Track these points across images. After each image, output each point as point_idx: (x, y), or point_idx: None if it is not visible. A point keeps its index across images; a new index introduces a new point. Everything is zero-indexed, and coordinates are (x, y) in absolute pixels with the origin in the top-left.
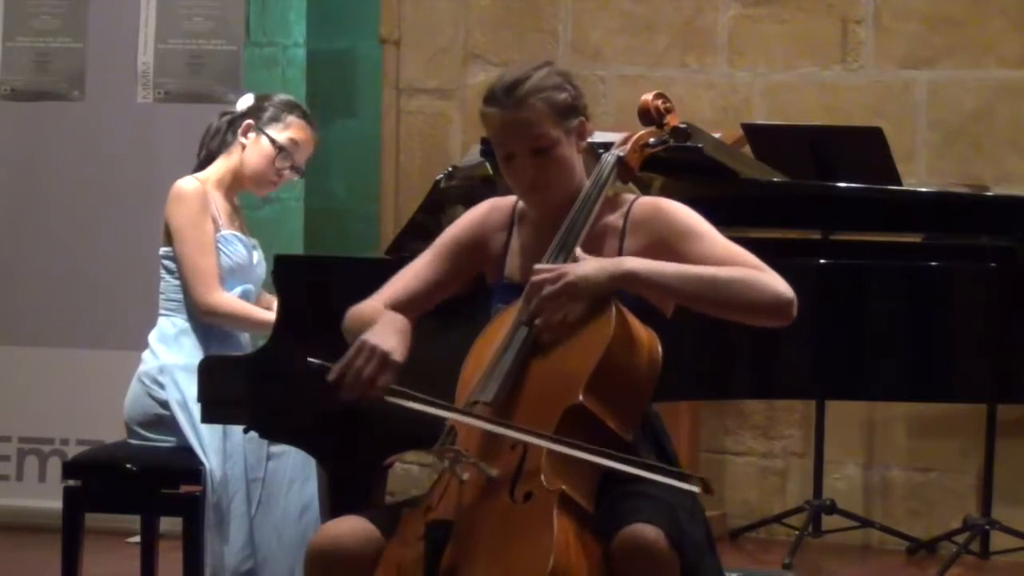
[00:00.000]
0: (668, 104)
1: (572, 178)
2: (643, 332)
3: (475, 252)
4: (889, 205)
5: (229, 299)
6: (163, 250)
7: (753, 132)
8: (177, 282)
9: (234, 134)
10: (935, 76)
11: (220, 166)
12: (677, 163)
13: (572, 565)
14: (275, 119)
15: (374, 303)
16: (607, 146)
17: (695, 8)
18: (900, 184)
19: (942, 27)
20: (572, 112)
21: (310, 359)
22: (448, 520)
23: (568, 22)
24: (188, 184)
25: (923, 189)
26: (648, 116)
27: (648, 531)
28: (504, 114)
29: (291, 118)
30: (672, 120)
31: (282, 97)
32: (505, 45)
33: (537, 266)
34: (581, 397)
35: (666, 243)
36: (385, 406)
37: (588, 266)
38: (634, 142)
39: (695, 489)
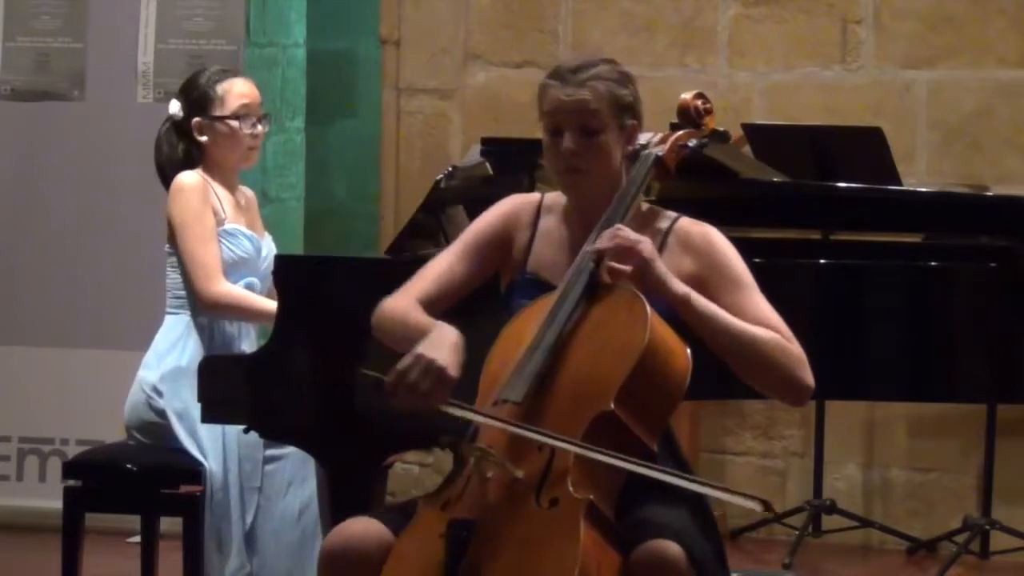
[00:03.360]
0: (708, 105)
1: (610, 171)
2: (676, 341)
3: (500, 247)
4: (889, 205)
5: (232, 289)
6: (167, 247)
7: (753, 132)
8: (182, 278)
9: (192, 137)
10: (935, 76)
11: (208, 162)
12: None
13: None
14: (213, 100)
15: (407, 300)
16: (644, 146)
17: (695, 8)
18: (900, 184)
19: (942, 27)
20: (628, 111)
21: (363, 370)
22: (471, 520)
23: (568, 22)
24: (188, 177)
25: (923, 189)
26: (687, 116)
27: (669, 548)
28: (566, 89)
29: (222, 87)
30: (710, 122)
31: (201, 76)
32: (505, 45)
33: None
34: (612, 405)
35: (705, 279)
36: (434, 415)
37: (661, 262)
38: (673, 142)
39: (757, 508)
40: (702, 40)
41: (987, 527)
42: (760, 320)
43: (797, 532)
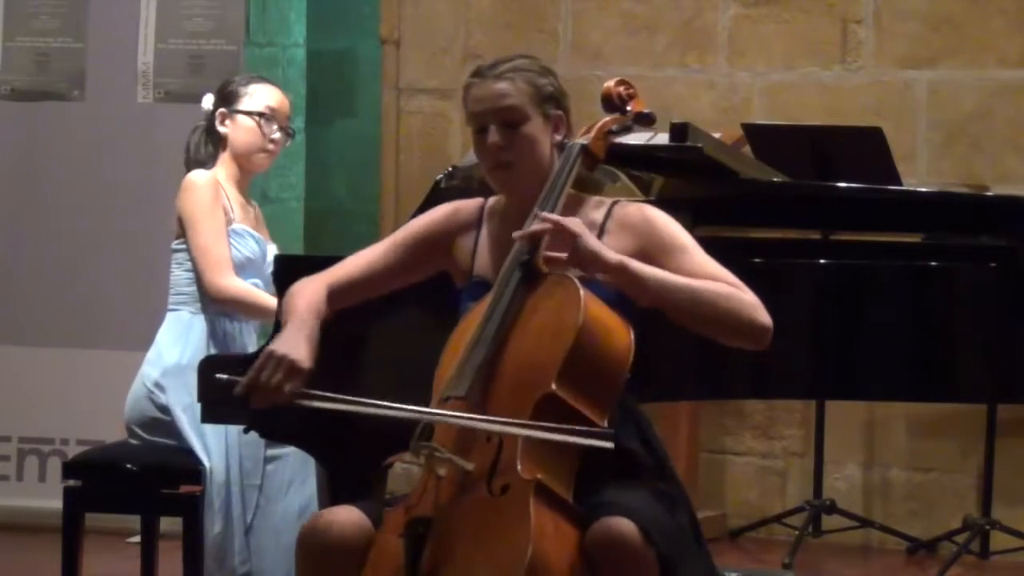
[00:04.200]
0: (631, 90)
1: (539, 162)
2: (614, 319)
3: (437, 250)
4: (889, 205)
5: (241, 284)
6: (175, 243)
7: (753, 132)
8: (188, 274)
9: (218, 133)
10: (935, 76)
11: (224, 161)
12: (677, 163)
13: (551, 555)
14: (241, 95)
15: (316, 285)
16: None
17: (695, 8)
18: (900, 184)
19: (942, 27)
20: (550, 101)
21: (218, 375)
22: (427, 517)
23: (568, 22)
24: (199, 175)
25: (923, 189)
26: (611, 103)
27: (621, 524)
28: (484, 84)
29: (254, 86)
30: (636, 106)
31: (239, 76)
32: (505, 45)
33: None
34: (554, 386)
35: (648, 252)
36: (295, 407)
37: (593, 237)
38: (598, 129)
39: (607, 445)
40: (702, 40)
41: (987, 527)
42: (706, 276)
43: (797, 532)
